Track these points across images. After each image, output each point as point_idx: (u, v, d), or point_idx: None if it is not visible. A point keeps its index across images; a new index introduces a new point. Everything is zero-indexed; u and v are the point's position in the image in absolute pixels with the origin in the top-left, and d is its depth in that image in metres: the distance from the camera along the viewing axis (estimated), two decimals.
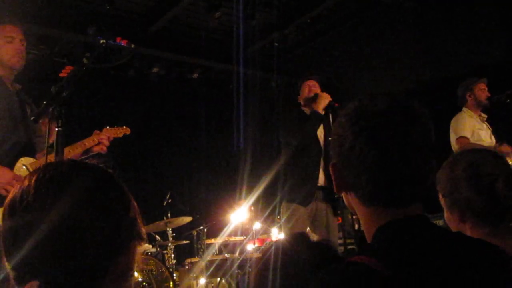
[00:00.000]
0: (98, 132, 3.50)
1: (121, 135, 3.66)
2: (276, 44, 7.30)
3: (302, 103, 4.38)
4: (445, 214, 1.68)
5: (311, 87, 4.32)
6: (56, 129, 2.27)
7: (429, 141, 1.10)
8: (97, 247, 0.88)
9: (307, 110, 4.31)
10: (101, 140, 3.46)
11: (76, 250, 0.87)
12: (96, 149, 3.50)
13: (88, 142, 3.48)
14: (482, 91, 4.76)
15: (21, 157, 2.95)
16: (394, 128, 1.07)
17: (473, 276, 0.98)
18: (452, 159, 1.68)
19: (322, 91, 4.29)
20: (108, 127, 3.63)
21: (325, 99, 4.13)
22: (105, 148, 3.52)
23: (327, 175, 4.13)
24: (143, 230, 0.99)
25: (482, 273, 0.99)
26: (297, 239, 1.27)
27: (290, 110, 4.43)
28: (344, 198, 1.21)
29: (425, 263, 0.97)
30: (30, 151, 3.02)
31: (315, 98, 4.19)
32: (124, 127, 3.73)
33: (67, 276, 0.86)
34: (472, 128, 4.62)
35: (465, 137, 4.55)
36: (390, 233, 1.06)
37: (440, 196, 1.68)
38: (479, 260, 1.02)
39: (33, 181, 0.91)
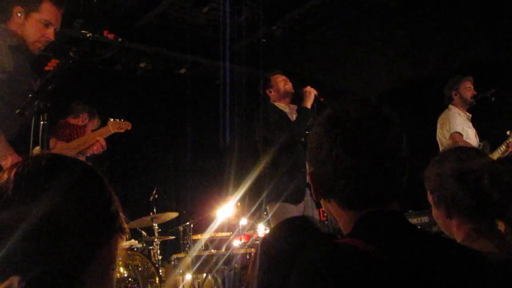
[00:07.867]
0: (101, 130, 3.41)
1: (123, 131, 3.53)
2: (263, 40, 7.29)
3: (276, 96, 4.34)
4: (433, 211, 1.70)
5: (287, 80, 4.30)
6: (41, 123, 2.24)
7: (401, 144, 1.13)
8: (78, 241, 0.88)
9: (281, 105, 4.28)
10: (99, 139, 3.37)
11: (57, 245, 0.86)
12: (92, 150, 3.40)
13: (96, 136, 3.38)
14: (467, 89, 4.79)
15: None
16: (368, 133, 1.10)
17: (439, 266, 1.02)
18: (440, 156, 1.69)
19: (306, 85, 4.25)
20: (111, 119, 3.49)
21: (312, 94, 4.12)
22: (100, 149, 3.43)
23: None
24: (125, 224, 0.99)
25: (448, 267, 1.03)
26: (277, 227, 1.27)
27: (271, 105, 4.36)
28: (323, 206, 1.24)
29: (406, 249, 1.01)
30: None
31: (301, 94, 4.16)
32: (127, 122, 3.57)
33: (48, 270, 0.86)
34: (462, 125, 4.65)
35: (459, 133, 4.59)
36: (371, 222, 1.09)
37: (428, 193, 1.70)
38: (445, 255, 1.06)
39: (12, 174, 0.90)
